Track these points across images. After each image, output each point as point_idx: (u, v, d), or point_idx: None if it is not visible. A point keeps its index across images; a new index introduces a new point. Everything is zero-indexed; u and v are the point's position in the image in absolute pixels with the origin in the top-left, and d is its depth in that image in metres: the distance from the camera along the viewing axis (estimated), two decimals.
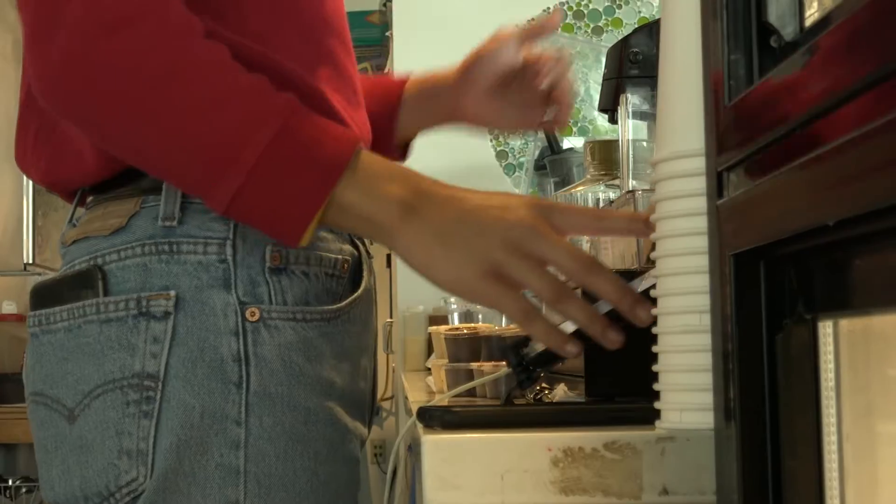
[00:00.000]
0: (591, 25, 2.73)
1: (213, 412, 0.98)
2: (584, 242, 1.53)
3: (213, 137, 0.93)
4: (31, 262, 4.46)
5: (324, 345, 1.04)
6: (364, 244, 1.13)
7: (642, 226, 0.91)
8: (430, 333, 2.05)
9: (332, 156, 0.94)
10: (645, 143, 1.41)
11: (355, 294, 1.08)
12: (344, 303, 1.06)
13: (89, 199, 1.08)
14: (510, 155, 2.69)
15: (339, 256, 1.07)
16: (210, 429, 0.98)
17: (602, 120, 2.57)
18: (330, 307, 1.04)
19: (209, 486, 0.98)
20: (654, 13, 2.70)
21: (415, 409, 0.97)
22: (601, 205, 1.65)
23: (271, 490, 0.99)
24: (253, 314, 1.00)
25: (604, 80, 1.50)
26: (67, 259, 1.07)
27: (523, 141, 2.69)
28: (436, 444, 0.78)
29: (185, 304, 0.99)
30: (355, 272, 1.10)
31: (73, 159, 1.06)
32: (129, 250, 1.01)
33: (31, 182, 4.25)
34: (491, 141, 2.69)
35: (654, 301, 0.80)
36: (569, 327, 0.91)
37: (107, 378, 0.99)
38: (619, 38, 1.54)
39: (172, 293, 0.99)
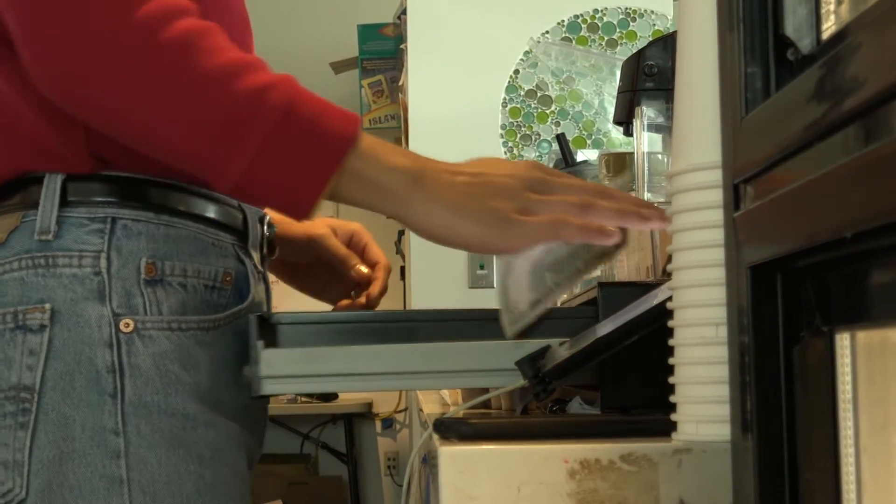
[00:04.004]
0: (606, 38, 2.74)
1: (92, 424, 1.00)
2: None
3: (224, 111, 0.94)
4: None
5: (201, 353, 1.05)
6: (252, 259, 1.14)
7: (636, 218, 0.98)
8: None
9: (340, 127, 0.96)
10: (660, 156, 1.41)
11: (238, 307, 1.09)
12: (223, 314, 1.08)
13: None
14: None
15: (221, 268, 1.09)
16: (91, 440, 1.00)
17: (617, 132, 2.57)
18: (207, 317, 1.06)
19: (94, 498, 0.99)
20: (668, 26, 2.70)
21: (430, 421, 0.97)
22: None
23: (157, 496, 1.01)
24: (127, 325, 1.01)
25: (618, 93, 1.50)
26: None
27: (537, 153, 2.69)
28: (452, 456, 0.78)
29: (61, 317, 1.01)
30: (241, 286, 1.11)
31: None
32: (7, 265, 1.03)
33: None
34: (505, 153, 2.70)
35: (670, 314, 0.80)
36: None
37: None
38: (634, 50, 1.54)
39: (48, 306, 1.01)
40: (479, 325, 1.10)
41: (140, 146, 1.00)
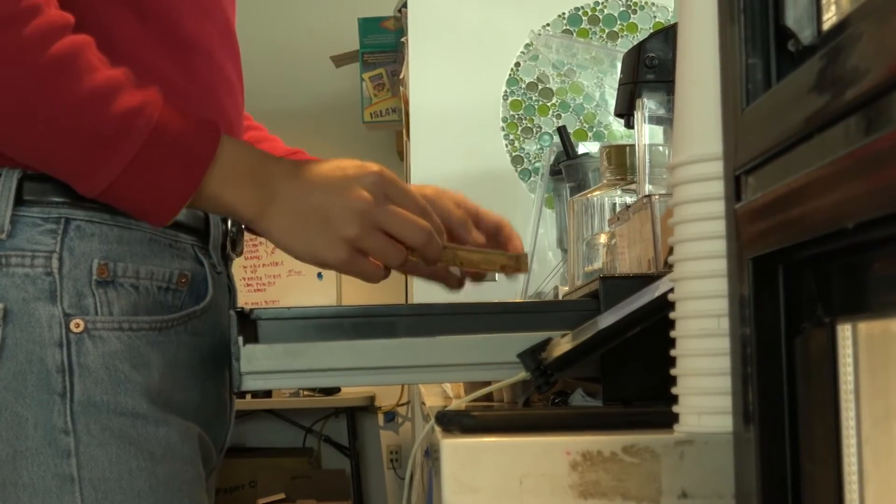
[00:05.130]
0: (606, 30, 2.74)
1: (44, 423, 1.01)
2: (602, 247, 1.53)
3: (95, 132, 0.98)
4: None
5: (152, 353, 1.07)
6: (213, 259, 1.16)
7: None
8: None
9: (199, 150, 1.02)
10: (661, 148, 1.41)
11: (193, 308, 1.11)
12: (176, 314, 1.09)
13: None
14: (525, 160, 2.69)
15: (177, 270, 1.10)
16: (43, 439, 1.01)
17: (618, 125, 2.57)
18: (159, 317, 1.08)
19: (48, 496, 1.00)
20: (669, 18, 2.70)
21: (432, 413, 0.98)
22: (617, 209, 1.65)
23: (108, 493, 1.02)
24: (77, 325, 1.03)
25: (619, 85, 1.50)
26: None
27: (538, 146, 2.69)
28: (454, 448, 0.78)
29: (13, 317, 1.02)
30: (199, 287, 1.13)
31: None
32: None
33: None
34: (507, 146, 2.70)
35: (672, 305, 0.80)
36: None
37: None
38: (635, 43, 1.54)
39: (0, 305, 1.01)
40: (480, 318, 1.10)
41: (10, 153, 1.02)
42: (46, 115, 0.97)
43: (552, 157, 2.54)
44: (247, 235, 1.25)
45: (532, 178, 2.67)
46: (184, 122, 1.02)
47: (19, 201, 1.04)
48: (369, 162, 1.09)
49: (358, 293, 4.97)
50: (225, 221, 1.19)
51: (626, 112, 1.47)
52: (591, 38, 2.73)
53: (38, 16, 0.97)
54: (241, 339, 1.04)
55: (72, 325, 1.02)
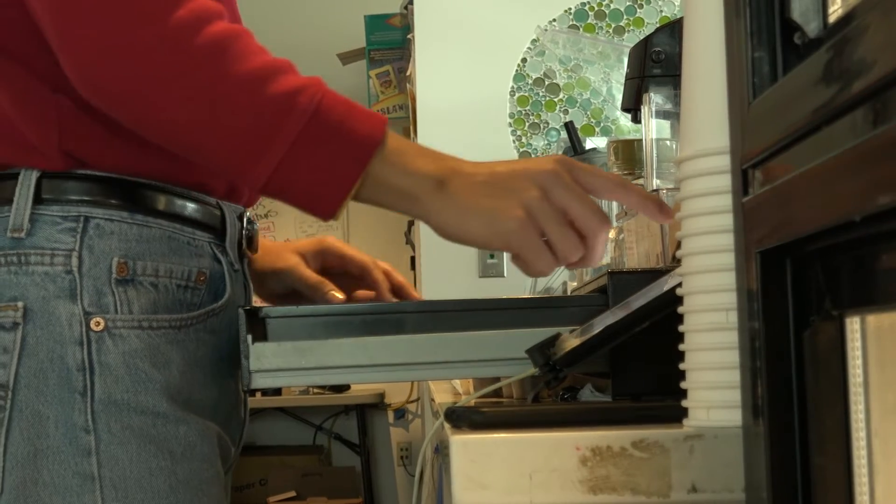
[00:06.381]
0: (613, 25, 2.74)
1: (65, 421, 1.01)
2: (609, 242, 1.53)
3: (256, 115, 0.96)
4: None
5: (172, 352, 1.06)
6: (230, 257, 1.15)
7: (655, 208, 0.99)
8: None
9: (366, 131, 0.98)
10: (669, 142, 1.41)
11: (212, 305, 1.11)
12: (196, 312, 1.09)
13: None
14: (533, 156, 2.69)
15: (195, 268, 1.10)
16: (64, 437, 1.01)
17: (625, 120, 2.57)
18: (179, 315, 1.07)
19: (68, 494, 1.01)
20: (675, 12, 2.70)
21: (441, 410, 0.98)
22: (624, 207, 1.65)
23: (128, 492, 1.02)
24: (98, 324, 1.02)
25: (626, 80, 1.50)
26: None
27: (546, 142, 2.69)
28: (464, 444, 0.78)
29: (34, 315, 1.02)
30: (217, 284, 1.12)
31: None
32: None
33: None
34: (514, 142, 2.70)
35: (680, 300, 0.80)
36: None
37: None
38: (641, 37, 1.54)
39: (20, 304, 1.01)
40: (489, 314, 1.10)
41: (173, 147, 1.01)
42: (205, 98, 0.96)
43: (560, 153, 2.54)
44: (261, 232, 1.25)
45: None
46: (348, 104, 0.99)
47: (38, 200, 1.03)
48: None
49: None
50: (241, 219, 1.19)
51: (633, 107, 1.47)
52: (597, 33, 2.73)
53: (192, 1, 0.97)
54: (250, 337, 1.04)
55: (92, 324, 1.02)
